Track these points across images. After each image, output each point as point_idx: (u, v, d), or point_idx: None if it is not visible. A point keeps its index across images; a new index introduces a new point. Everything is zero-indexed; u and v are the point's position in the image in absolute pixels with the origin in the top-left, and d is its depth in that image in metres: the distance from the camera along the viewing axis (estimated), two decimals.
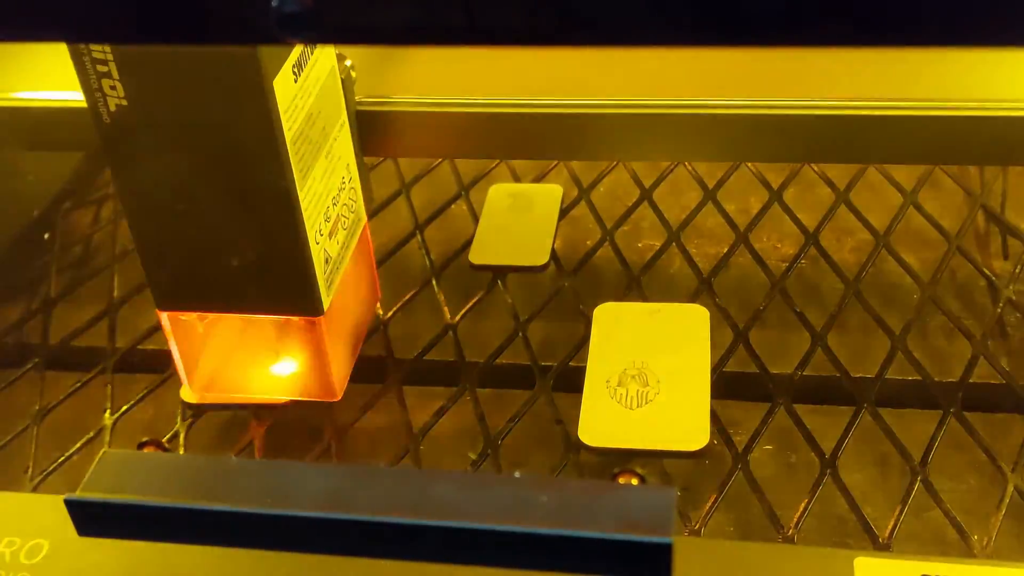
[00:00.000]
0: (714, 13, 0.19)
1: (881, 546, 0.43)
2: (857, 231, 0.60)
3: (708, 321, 0.52)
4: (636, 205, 0.62)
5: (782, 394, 0.50)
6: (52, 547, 0.39)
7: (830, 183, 0.62)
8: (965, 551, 0.43)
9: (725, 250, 0.59)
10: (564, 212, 0.62)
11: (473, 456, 0.50)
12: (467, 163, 0.66)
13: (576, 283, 0.57)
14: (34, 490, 0.50)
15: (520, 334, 0.54)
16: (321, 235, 0.45)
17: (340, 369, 0.49)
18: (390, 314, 0.56)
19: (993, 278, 0.55)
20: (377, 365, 0.54)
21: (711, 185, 0.63)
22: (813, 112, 0.51)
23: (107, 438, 0.52)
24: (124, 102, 0.40)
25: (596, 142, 0.54)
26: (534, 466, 0.51)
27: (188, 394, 0.51)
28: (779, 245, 0.62)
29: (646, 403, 0.48)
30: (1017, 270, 0.56)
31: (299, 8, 0.21)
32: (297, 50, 0.42)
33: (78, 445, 0.51)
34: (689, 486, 0.49)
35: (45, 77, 0.41)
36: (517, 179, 0.65)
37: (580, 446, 0.47)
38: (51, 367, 0.57)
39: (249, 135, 0.40)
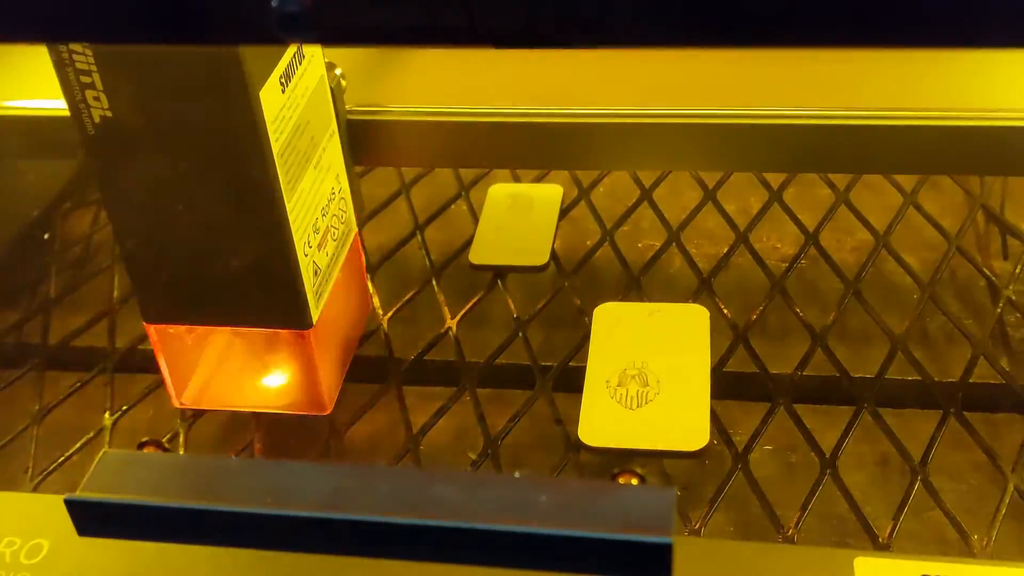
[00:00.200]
0: (713, 13, 0.19)
1: (881, 546, 0.43)
2: (857, 231, 0.60)
3: (708, 321, 0.52)
4: (636, 205, 0.62)
5: (782, 394, 0.50)
6: (52, 547, 0.39)
7: (830, 183, 0.62)
8: (965, 551, 0.43)
9: (725, 250, 0.59)
10: (564, 212, 0.62)
11: (473, 456, 0.50)
12: None
13: (576, 283, 0.57)
14: (34, 490, 0.50)
15: (520, 334, 0.54)
16: (310, 247, 0.44)
17: (330, 382, 0.48)
18: (390, 314, 0.56)
19: (993, 278, 0.55)
20: (377, 365, 0.54)
21: (711, 185, 0.63)
22: (811, 122, 0.51)
23: (107, 438, 0.52)
24: (108, 113, 0.39)
25: (590, 151, 0.53)
26: (534, 466, 0.51)
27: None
28: (779, 245, 0.62)
29: (646, 403, 0.48)
30: (1017, 270, 0.56)
31: (299, 8, 0.21)
32: (284, 60, 0.41)
33: (78, 445, 0.51)
34: (689, 486, 0.49)
35: (40, 84, 0.41)
36: (517, 179, 0.65)
37: (580, 446, 0.47)
38: (51, 367, 0.57)
39: (235, 147, 0.40)
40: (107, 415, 0.53)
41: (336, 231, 0.48)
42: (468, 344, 0.55)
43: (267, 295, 0.44)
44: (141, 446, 0.49)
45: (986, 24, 0.19)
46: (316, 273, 0.45)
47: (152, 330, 0.46)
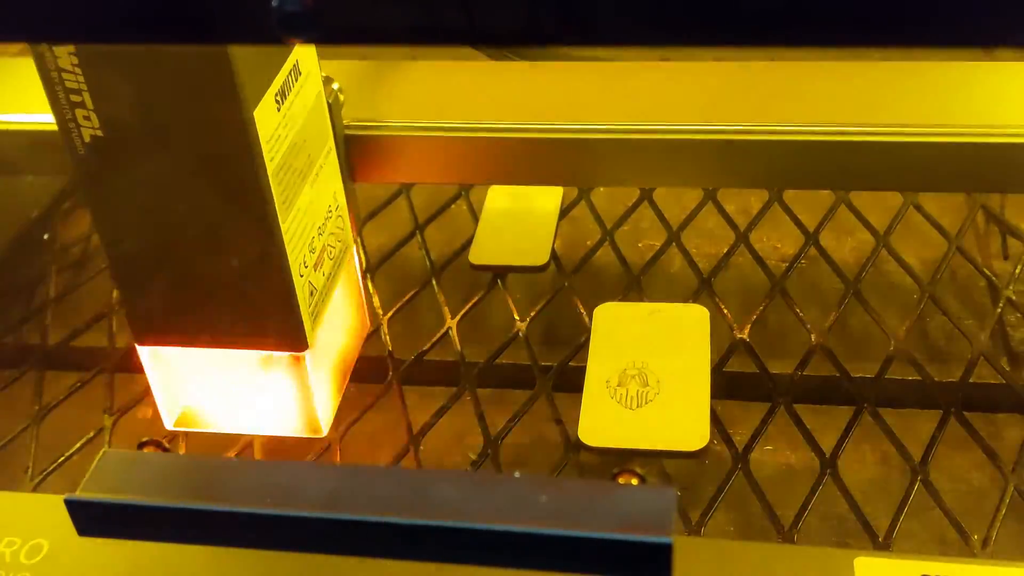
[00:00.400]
0: (713, 13, 0.19)
1: (881, 546, 0.43)
2: (857, 231, 0.60)
3: (708, 321, 0.52)
4: (636, 205, 0.62)
5: (782, 394, 0.50)
6: (52, 547, 0.39)
7: None
8: (965, 551, 0.43)
9: (725, 250, 0.59)
10: (564, 212, 0.62)
11: (473, 456, 0.50)
12: None
13: (576, 283, 0.57)
14: (34, 490, 0.50)
15: (520, 334, 0.54)
16: (306, 267, 0.43)
17: (326, 404, 0.47)
18: (390, 314, 0.56)
19: (993, 278, 0.55)
20: (377, 365, 0.54)
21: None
22: (809, 138, 0.50)
23: (107, 438, 0.52)
24: (99, 132, 0.38)
25: (589, 167, 0.53)
26: (534, 466, 0.51)
27: None
28: (779, 245, 0.62)
29: (646, 403, 0.48)
30: (1017, 270, 0.56)
31: (299, 8, 0.21)
32: (280, 79, 0.40)
33: (78, 445, 0.51)
34: (689, 486, 0.49)
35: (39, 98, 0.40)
36: None
37: (580, 446, 0.47)
38: (51, 367, 0.57)
39: (229, 167, 0.39)
40: (107, 415, 0.53)
41: (333, 249, 0.46)
42: (468, 344, 0.55)
43: (262, 316, 0.43)
44: (141, 446, 0.49)
45: (986, 24, 0.19)
46: (312, 293, 0.44)
47: (144, 351, 0.45)
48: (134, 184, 0.40)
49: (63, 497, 0.30)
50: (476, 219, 0.62)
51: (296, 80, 0.42)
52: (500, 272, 0.58)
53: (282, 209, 0.41)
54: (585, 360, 0.51)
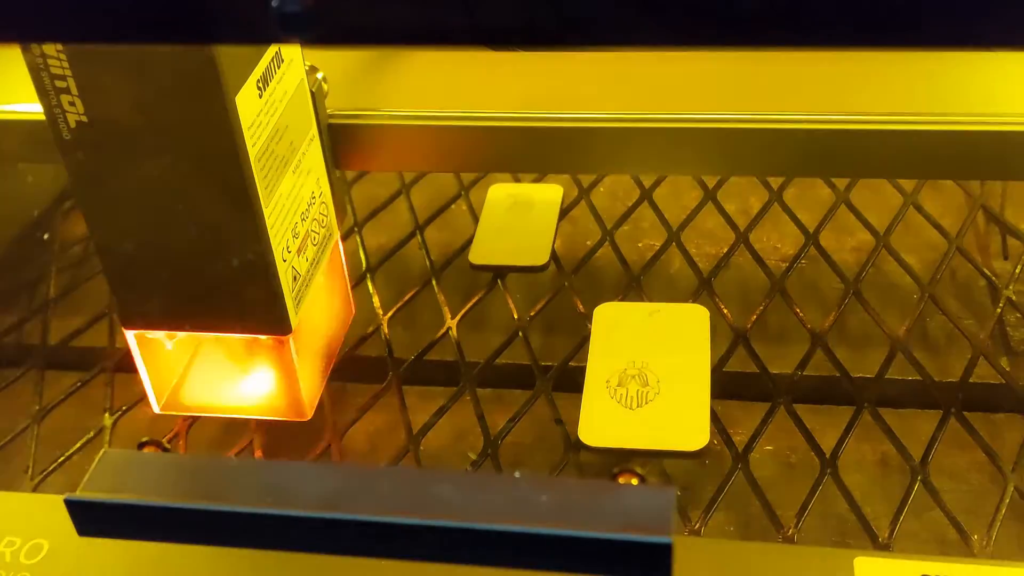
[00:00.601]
0: (713, 13, 0.19)
1: (881, 546, 0.43)
2: (857, 231, 0.60)
3: (708, 321, 0.52)
4: (636, 205, 0.62)
5: (782, 394, 0.50)
6: (52, 547, 0.39)
7: (830, 184, 0.62)
8: (965, 551, 0.43)
9: (725, 250, 0.59)
10: (564, 212, 0.62)
11: (473, 456, 0.50)
12: None
13: (576, 283, 0.57)
14: (34, 490, 0.50)
15: (520, 334, 0.54)
16: (289, 252, 0.44)
17: (310, 388, 0.48)
18: (390, 314, 0.56)
19: (993, 278, 0.55)
20: (377, 365, 0.54)
21: (711, 185, 0.63)
22: (811, 126, 0.50)
23: (107, 438, 0.52)
24: (84, 118, 0.39)
25: (579, 155, 0.53)
26: (534, 466, 0.51)
27: None
28: (779, 245, 0.62)
29: (646, 403, 0.48)
30: (1017, 270, 0.56)
31: (299, 8, 0.21)
32: (262, 65, 0.41)
33: (78, 445, 0.51)
34: (689, 486, 0.49)
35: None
36: (517, 179, 0.65)
37: (580, 446, 0.47)
38: (51, 367, 0.57)
39: (211, 152, 0.39)
40: (107, 415, 0.53)
41: (316, 235, 0.47)
42: (468, 344, 0.55)
43: (245, 301, 0.43)
44: (141, 446, 0.49)
45: (986, 24, 0.19)
46: (295, 278, 0.45)
47: (131, 336, 0.45)
48: (119, 170, 0.40)
49: (63, 497, 0.30)
50: (476, 219, 0.62)
51: (279, 67, 0.43)
52: (500, 272, 0.58)
53: (264, 194, 0.41)
54: (585, 360, 0.51)
